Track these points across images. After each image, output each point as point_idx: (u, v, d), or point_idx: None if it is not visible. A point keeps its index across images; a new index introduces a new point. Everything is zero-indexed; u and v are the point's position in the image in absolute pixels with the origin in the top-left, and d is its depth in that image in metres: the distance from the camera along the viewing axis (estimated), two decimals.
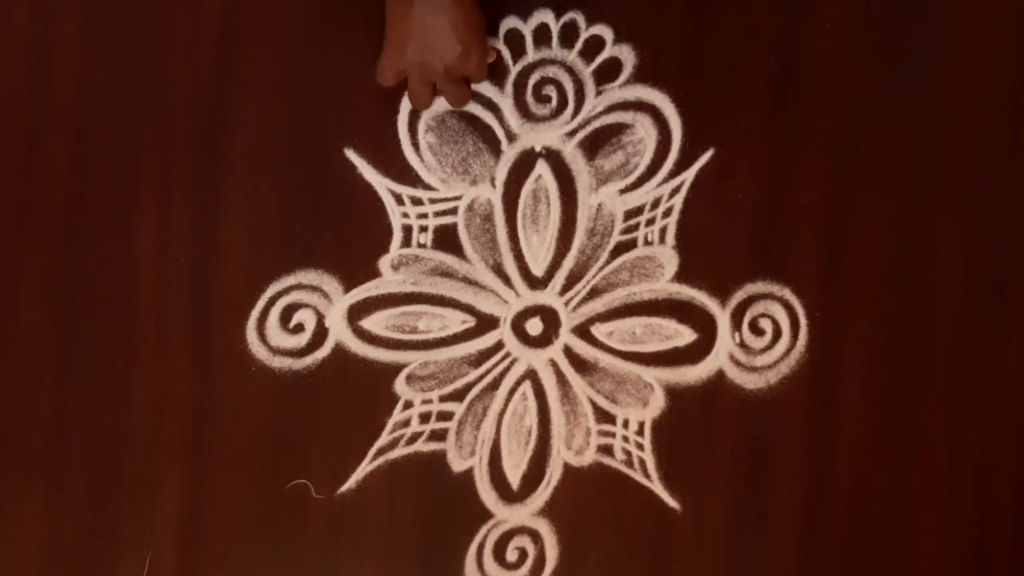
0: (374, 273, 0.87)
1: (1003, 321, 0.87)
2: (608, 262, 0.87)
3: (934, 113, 0.87)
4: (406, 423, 0.87)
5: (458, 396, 0.87)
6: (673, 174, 0.87)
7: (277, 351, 0.87)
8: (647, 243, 0.87)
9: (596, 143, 0.87)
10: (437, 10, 0.77)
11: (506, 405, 0.87)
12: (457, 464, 0.87)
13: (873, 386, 0.87)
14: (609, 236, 0.87)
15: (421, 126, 0.87)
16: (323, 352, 0.87)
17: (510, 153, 0.87)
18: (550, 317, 0.87)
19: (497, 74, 0.87)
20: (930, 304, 0.87)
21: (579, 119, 0.87)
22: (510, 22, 0.87)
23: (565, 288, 0.87)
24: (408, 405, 0.87)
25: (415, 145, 0.87)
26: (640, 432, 0.87)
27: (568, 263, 0.87)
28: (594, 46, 0.87)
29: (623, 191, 0.87)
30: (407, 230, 0.87)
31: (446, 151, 0.87)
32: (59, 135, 0.86)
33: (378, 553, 0.87)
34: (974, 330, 0.87)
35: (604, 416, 0.87)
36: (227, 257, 0.87)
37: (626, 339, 0.87)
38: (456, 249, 0.87)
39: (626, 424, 0.87)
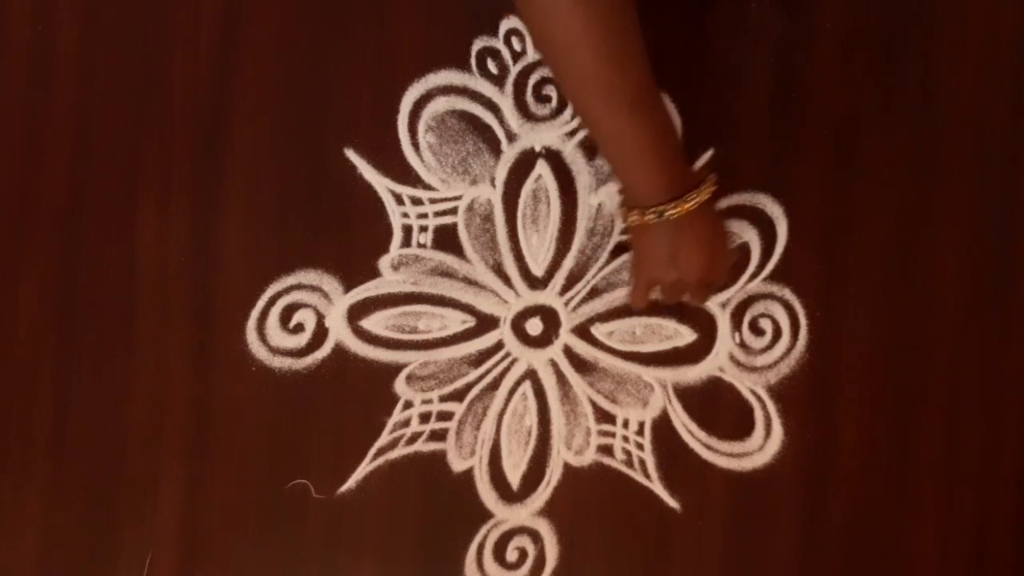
0: (374, 273, 0.87)
1: (1003, 322, 0.87)
2: (608, 262, 0.87)
3: (934, 113, 0.87)
4: (406, 423, 0.87)
5: (458, 396, 0.87)
6: None
7: (277, 351, 0.87)
8: None
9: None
10: (682, 228, 0.75)
11: (506, 405, 0.87)
12: (457, 464, 0.87)
13: (873, 386, 0.87)
14: (609, 236, 0.87)
15: (421, 126, 0.87)
16: (323, 352, 0.87)
17: (510, 153, 0.87)
18: (550, 317, 0.87)
19: (497, 74, 0.87)
20: (930, 304, 0.87)
21: (579, 119, 0.87)
22: (510, 22, 0.87)
23: (565, 288, 0.87)
24: (408, 405, 0.87)
25: (415, 145, 0.87)
26: (640, 432, 0.87)
27: (568, 263, 0.87)
28: None
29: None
30: (407, 230, 0.87)
31: (446, 151, 0.87)
32: (59, 135, 0.86)
33: (378, 553, 0.87)
34: (974, 330, 0.87)
35: (604, 416, 0.87)
36: (227, 257, 0.87)
37: (626, 339, 0.87)
38: (456, 249, 0.87)
39: (626, 424, 0.87)
